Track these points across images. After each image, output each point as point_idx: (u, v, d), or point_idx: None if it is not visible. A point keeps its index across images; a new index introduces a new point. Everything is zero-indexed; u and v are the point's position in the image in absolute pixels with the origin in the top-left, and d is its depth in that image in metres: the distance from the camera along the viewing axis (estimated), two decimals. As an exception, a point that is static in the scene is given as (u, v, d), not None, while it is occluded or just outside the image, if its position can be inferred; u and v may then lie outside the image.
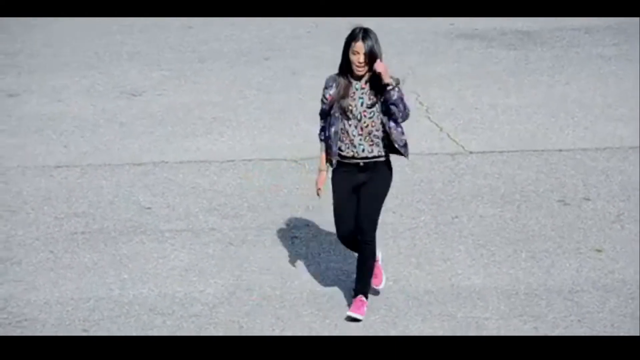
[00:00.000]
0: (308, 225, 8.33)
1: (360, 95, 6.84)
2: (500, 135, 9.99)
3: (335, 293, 7.40)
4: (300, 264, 7.79)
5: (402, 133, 6.91)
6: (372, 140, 6.90)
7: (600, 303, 7.27)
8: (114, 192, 8.80)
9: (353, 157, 6.91)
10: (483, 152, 9.63)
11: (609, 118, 10.35)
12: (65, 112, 10.44)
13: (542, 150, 9.64)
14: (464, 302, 7.30)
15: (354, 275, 7.18)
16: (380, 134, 6.88)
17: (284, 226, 8.31)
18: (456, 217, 8.45)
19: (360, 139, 6.87)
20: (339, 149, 6.92)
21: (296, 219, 8.44)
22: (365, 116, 6.84)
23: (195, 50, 12.26)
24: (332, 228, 8.25)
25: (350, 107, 6.84)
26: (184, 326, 6.96)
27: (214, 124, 10.25)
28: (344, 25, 13.11)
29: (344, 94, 6.83)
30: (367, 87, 6.83)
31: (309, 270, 7.70)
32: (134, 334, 6.83)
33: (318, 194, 7.08)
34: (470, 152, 9.64)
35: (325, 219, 8.40)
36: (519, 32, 12.82)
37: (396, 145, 6.89)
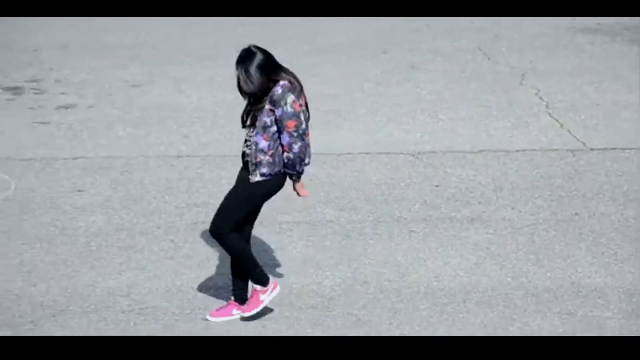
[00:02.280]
0: (425, 219, 8.30)
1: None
2: (622, 132, 9.81)
3: (453, 288, 7.37)
4: (417, 258, 7.77)
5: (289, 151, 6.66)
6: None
7: None
8: (232, 183, 8.88)
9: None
10: (604, 149, 9.47)
11: None
12: (186, 103, 10.58)
13: (666, 148, 9.45)
14: (585, 300, 7.19)
15: (473, 271, 7.12)
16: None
17: (401, 220, 8.31)
18: (576, 214, 8.34)
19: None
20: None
21: (413, 213, 8.42)
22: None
23: (313, 43, 12.31)
24: (449, 223, 8.24)
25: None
26: (302, 318, 7.01)
27: (331, 117, 10.28)
28: (463, 20, 13.03)
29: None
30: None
31: (426, 265, 7.68)
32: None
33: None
34: (592, 149, 9.49)
35: (444, 214, 8.38)
36: (642, 27, 12.57)
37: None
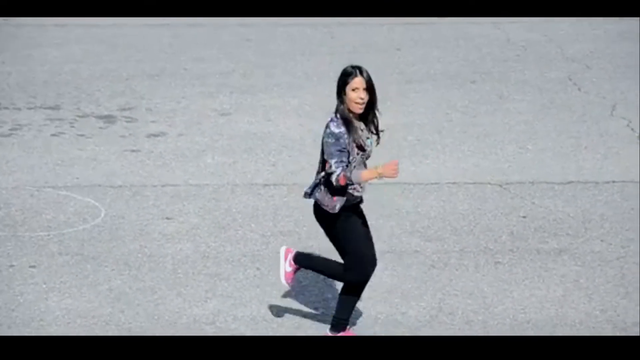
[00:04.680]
0: (512, 250, 8.24)
1: (367, 135, 6.87)
2: None
3: (540, 320, 7.30)
4: (503, 289, 7.71)
5: None
6: None
7: None
8: (320, 212, 8.91)
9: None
10: (697, 181, 9.31)
11: None
12: (274, 132, 10.67)
13: None
14: (675, 336, 7.07)
15: (561, 304, 7.04)
16: None
17: (487, 251, 8.25)
18: (667, 247, 8.21)
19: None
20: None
21: (500, 244, 8.36)
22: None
23: (402, 72, 12.33)
24: (537, 254, 8.16)
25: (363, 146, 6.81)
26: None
27: (418, 146, 10.27)
28: (554, 51, 12.93)
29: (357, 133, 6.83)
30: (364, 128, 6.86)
31: (512, 297, 7.61)
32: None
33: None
34: (683, 181, 9.34)
35: (531, 246, 8.30)
36: None
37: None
